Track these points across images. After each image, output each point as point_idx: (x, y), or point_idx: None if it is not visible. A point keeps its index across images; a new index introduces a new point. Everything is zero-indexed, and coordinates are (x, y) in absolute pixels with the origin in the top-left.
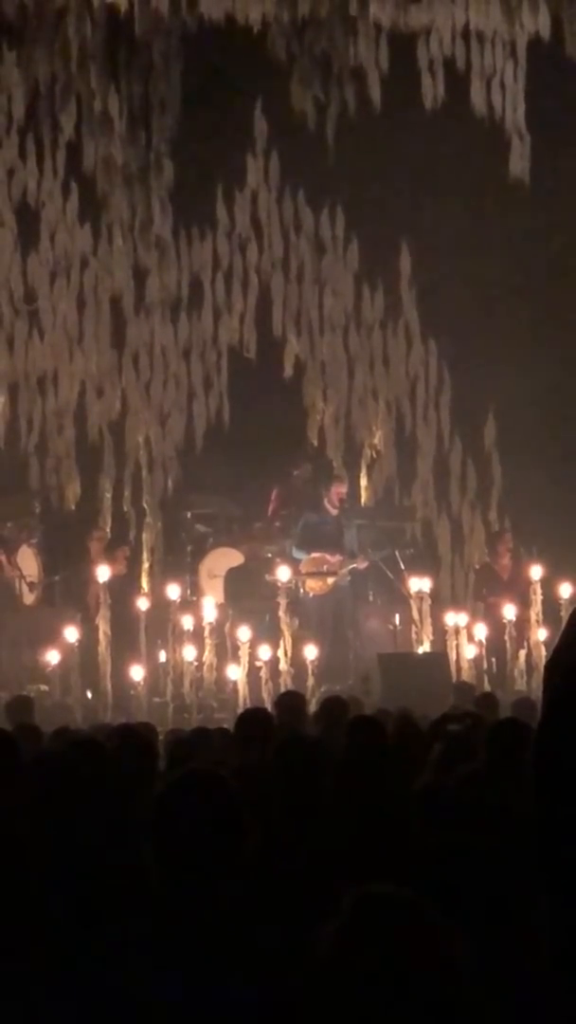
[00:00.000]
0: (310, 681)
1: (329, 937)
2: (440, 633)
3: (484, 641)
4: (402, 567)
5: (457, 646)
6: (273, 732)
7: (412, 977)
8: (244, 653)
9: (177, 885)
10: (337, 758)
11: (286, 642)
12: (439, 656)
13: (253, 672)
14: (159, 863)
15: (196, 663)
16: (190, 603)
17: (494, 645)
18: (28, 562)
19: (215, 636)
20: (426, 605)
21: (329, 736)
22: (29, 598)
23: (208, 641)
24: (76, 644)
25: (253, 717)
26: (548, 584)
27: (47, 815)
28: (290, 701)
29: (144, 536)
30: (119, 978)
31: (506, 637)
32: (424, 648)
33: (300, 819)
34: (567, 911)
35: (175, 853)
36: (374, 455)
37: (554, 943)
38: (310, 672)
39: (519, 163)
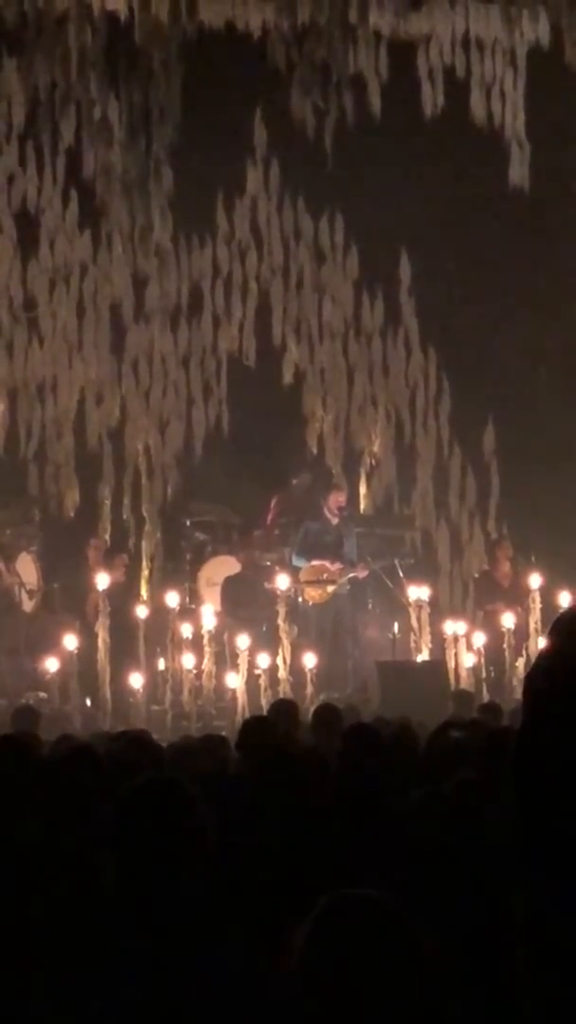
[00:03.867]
0: (309, 689)
1: (299, 940)
2: (439, 641)
3: (483, 649)
4: (401, 575)
5: (456, 654)
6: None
7: (377, 978)
8: (243, 661)
9: (136, 891)
10: (333, 766)
11: (285, 650)
12: (438, 664)
13: (252, 680)
14: (119, 869)
15: (195, 671)
16: (189, 611)
17: (493, 653)
18: (27, 569)
19: (214, 644)
20: (425, 613)
21: (326, 744)
22: (28, 605)
23: (207, 649)
24: (75, 652)
25: (255, 726)
26: (547, 592)
27: (48, 822)
28: (283, 710)
29: (143, 544)
30: (99, 980)
31: (505, 646)
32: (423, 656)
33: (296, 826)
34: (546, 913)
35: (134, 859)
36: (373, 463)
37: (530, 940)
38: (309, 680)
39: (519, 171)
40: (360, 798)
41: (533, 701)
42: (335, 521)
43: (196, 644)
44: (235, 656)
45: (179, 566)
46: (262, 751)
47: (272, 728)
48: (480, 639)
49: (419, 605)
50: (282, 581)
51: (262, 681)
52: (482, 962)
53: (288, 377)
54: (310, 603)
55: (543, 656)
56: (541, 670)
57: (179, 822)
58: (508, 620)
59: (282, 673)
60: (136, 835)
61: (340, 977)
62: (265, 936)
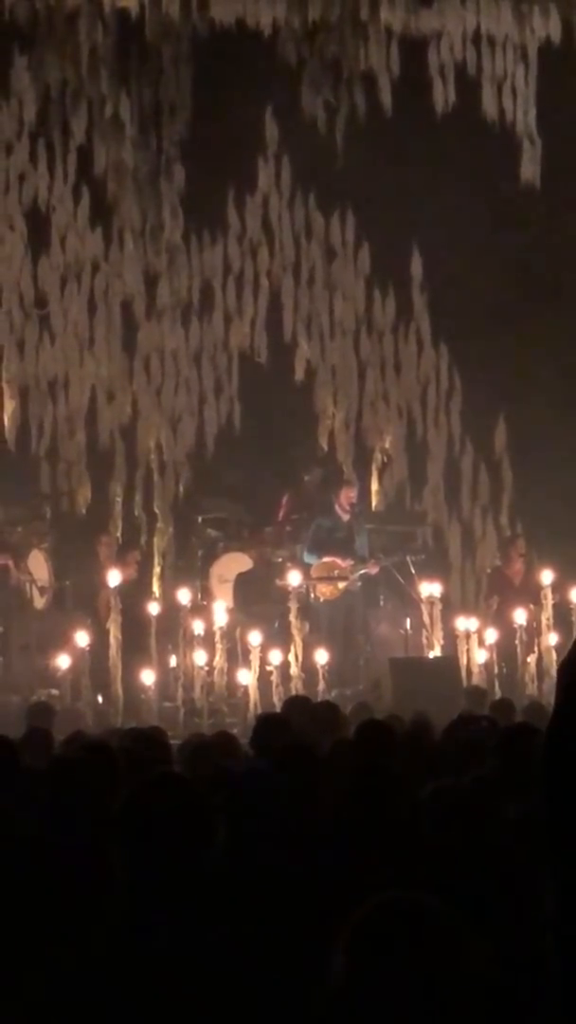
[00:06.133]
0: (321, 686)
1: (347, 942)
2: (451, 638)
3: (495, 646)
4: (413, 572)
5: (468, 651)
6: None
7: (431, 981)
8: (255, 657)
9: (142, 886)
10: (346, 763)
11: (297, 647)
12: (450, 660)
13: (264, 677)
14: (127, 865)
15: (207, 667)
16: (201, 607)
17: (505, 650)
18: (39, 566)
19: (226, 640)
20: (437, 610)
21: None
22: (40, 602)
23: (219, 645)
24: (87, 648)
25: (270, 723)
26: (559, 588)
27: (59, 819)
28: (297, 706)
29: (155, 540)
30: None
31: (517, 642)
32: (435, 653)
33: (306, 823)
34: (570, 899)
35: (141, 855)
36: (385, 460)
37: (558, 931)
38: (321, 677)
39: (530, 167)
40: (375, 795)
41: (565, 694)
42: (346, 517)
43: (208, 641)
44: (247, 653)
45: (191, 563)
46: (277, 748)
47: (287, 725)
48: (492, 635)
49: (431, 601)
50: (294, 577)
51: (274, 678)
52: (504, 956)
53: (300, 374)
54: (322, 599)
55: (573, 651)
56: (572, 664)
57: (183, 817)
58: (520, 616)
59: (294, 670)
60: (141, 831)
61: (391, 986)
62: (279, 933)
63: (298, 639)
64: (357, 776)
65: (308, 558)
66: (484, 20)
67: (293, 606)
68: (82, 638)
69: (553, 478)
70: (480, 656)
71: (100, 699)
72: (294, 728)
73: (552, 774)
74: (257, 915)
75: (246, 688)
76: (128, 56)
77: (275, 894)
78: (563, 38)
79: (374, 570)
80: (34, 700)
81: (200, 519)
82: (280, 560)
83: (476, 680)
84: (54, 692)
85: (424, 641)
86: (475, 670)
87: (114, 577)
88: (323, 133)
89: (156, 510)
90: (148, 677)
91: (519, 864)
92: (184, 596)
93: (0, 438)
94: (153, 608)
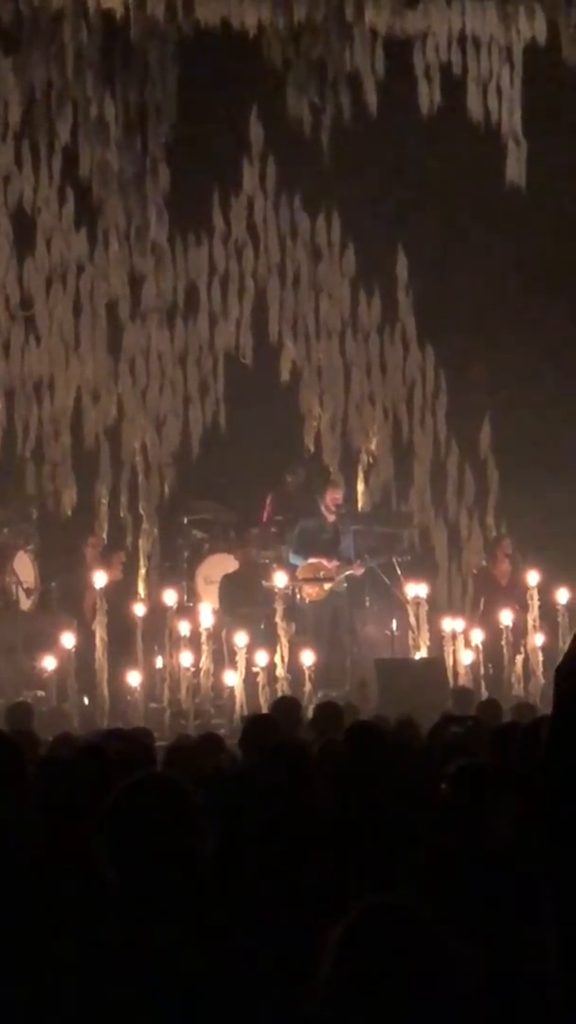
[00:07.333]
0: (307, 687)
1: (333, 947)
2: (437, 639)
3: (481, 646)
4: (399, 573)
5: (454, 651)
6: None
7: (415, 986)
8: (241, 659)
9: (132, 889)
10: (335, 763)
11: (283, 648)
12: (436, 661)
13: (250, 678)
14: (115, 866)
15: (193, 669)
16: (187, 609)
17: (491, 650)
18: (25, 568)
19: (212, 642)
20: (423, 611)
21: (326, 742)
22: (26, 604)
23: (205, 647)
24: (73, 650)
25: (258, 723)
26: (545, 589)
27: (49, 820)
28: (286, 707)
29: (140, 542)
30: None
31: (503, 642)
32: (421, 654)
33: (297, 824)
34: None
35: (130, 856)
36: (371, 461)
37: (558, 930)
38: (307, 678)
39: (515, 168)
40: (363, 796)
41: (561, 701)
42: (332, 518)
43: (194, 642)
44: (233, 654)
45: (177, 564)
46: (265, 748)
47: (275, 726)
48: (478, 636)
49: (417, 602)
50: (280, 579)
51: (260, 679)
52: (498, 958)
53: (285, 375)
54: (307, 601)
55: (569, 656)
56: (567, 670)
57: (172, 819)
58: (506, 617)
59: (280, 671)
60: (129, 832)
61: (374, 988)
62: (269, 934)
63: (284, 640)
64: (345, 777)
65: (294, 559)
66: (469, 21)
67: (279, 607)
68: (68, 639)
69: (539, 478)
70: (466, 657)
71: (86, 700)
72: (282, 729)
73: (554, 775)
74: (248, 915)
75: (232, 689)
76: (113, 57)
77: (265, 895)
78: (548, 38)
79: (360, 571)
80: (15, 701)
81: (186, 520)
82: (266, 561)
83: (462, 681)
84: (40, 693)
85: (410, 642)
86: (461, 671)
87: (100, 578)
88: (308, 134)
89: (142, 511)
90: (134, 678)
91: (513, 865)
92: (170, 597)
93: None
94: (139, 609)
